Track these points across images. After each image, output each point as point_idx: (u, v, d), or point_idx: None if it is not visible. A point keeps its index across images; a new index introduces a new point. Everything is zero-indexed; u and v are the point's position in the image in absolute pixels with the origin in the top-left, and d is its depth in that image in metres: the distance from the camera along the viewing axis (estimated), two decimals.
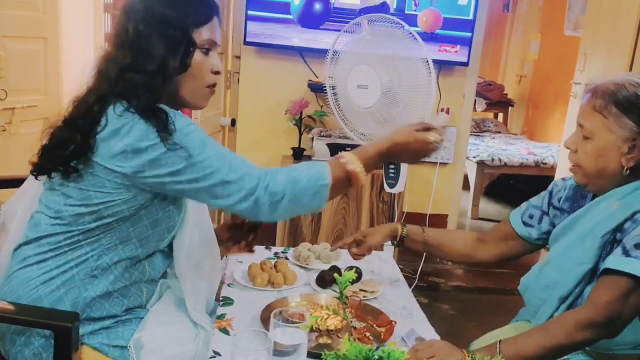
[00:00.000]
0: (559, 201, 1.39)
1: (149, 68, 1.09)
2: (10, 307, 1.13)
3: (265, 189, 1.09)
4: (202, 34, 1.14)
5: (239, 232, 1.43)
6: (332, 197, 1.16)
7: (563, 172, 3.88)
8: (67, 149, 1.08)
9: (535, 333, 1.17)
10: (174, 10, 1.11)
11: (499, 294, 3.21)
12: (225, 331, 1.23)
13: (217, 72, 1.19)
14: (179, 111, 1.15)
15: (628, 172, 1.18)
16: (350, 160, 1.16)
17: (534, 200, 1.46)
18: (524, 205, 1.48)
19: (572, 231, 1.27)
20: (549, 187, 1.45)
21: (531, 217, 1.44)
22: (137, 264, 1.20)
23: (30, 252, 1.16)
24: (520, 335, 1.18)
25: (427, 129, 1.21)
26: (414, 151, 1.20)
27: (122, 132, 1.06)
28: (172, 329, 1.20)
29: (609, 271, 1.13)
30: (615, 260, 1.12)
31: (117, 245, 1.15)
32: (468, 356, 1.13)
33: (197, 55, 1.14)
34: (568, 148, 1.26)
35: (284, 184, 1.10)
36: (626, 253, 1.12)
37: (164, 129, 1.05)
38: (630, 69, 3.18)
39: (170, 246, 1.26)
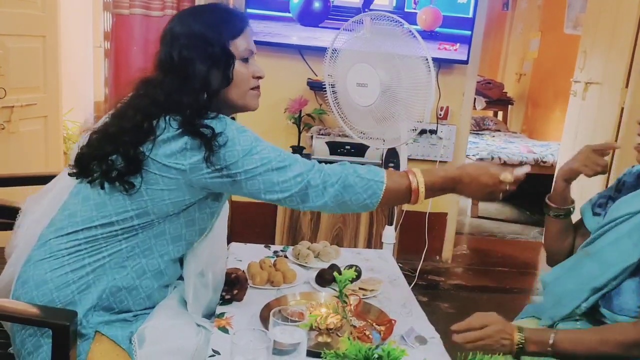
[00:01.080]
0: (622, 184, 1.40)
1: (194, 88, 1.17)
2: (9, 305, 1.14)
3: (319, 172, 1.17)
4: (239, 45, 1.23)
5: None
6: (388, 204, 1.22)
7: None
8: (111, 163, 1.15)
9: (592, 336, 1.18)
10: (210, 29, 1.20)
11: (499, 292, 3.21)
12: (224, 330, 1.23)
13: (259, 77, 1.29)
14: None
15: None
16: (416, 175, 1.21)
17: (605, 190, 1.46)
18: (594, 197, 1.47)
19: (623, 224, 1.25)
20: (620, 175, 1.44)
21: (600, 205, 1.43)
22: (165, 267, 1.24)
23: (64, 242, 1.18)
24: (576, 333, 1.20)
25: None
26: (482, 185, 1.22)
27: (180, 136, 1.14)
28: (176, 324, 1.22)
29: None
30: None
31: (151, 239, 1.20)
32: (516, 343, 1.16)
33: (238, 66, 1.23)
34: None
35: (340, 171, 1.17)
36: None
37: (209, 143, 1.12)
38: (630, 68, 3.18)
39: None
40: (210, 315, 1.34)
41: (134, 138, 1.15)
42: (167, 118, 1.15)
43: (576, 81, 3.74)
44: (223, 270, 1.38)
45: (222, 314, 1.30)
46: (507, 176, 1.20)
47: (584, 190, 3.45)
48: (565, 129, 3.91)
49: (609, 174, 3.29)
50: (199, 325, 1.26)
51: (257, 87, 1.30)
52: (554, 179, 1.48)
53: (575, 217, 1.50)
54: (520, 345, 1.17)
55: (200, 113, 1.16)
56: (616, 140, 3.18)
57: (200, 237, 1.27)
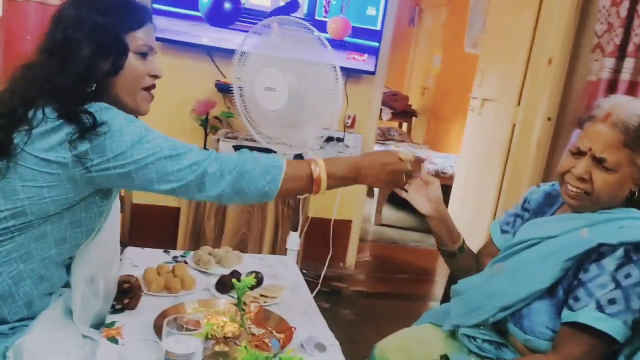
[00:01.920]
0: (529, 203, 1.44)
1: (77, 71, 1.10)
2: None
3: (216, 160, 1.13)
4: (137, 38, 1.18)
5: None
6: (289, 193, 1.17)
7: (460, 182, 4.08)
8: None
9: None
10: (104, 16, 1.14)
11: (398, 299, 3.31)
12: (114, 340, 1.15)
13: (155, 76, 1.24)
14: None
15: (636, 195, 1.20)
16: (318, 163, 1.18)
17: (512, 209, 1.49)
18: (502, 215, 1.51)
19: (535, 248, 1.27)
20: (525, 194, 1.48)
21: (507, 223, 1.47)
22: (47, 272, 1.15)
23: None
24: None
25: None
26: (384, 165, 1.22)
27: (60, 127, 1.06)
28: (58, 337, 1.13)
29: (580, 324, 1.14)
30: (590, 316, 1.13)
31: (30, 242, 1.10)
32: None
33: (133, 60, 1.18)
34: (581, 178, 1.20)
35: (238, 157, 1.14)
36: (600, 308, 1.13)
37: (86, 131, 1.05)
38: (522, 87, 3.41)
39: None
40: (99, 325, 1.26)
41: (7, 122, 1.06)
42: (44, 109, 1.07)
43: (474, 97, 3.96)
44: (116, 276, 1.29)
45: (113, 322, 1.22)
46: (407, 154, 1.22)
47: (478, 211, 3.65)
48: (463, 142, 4.12)
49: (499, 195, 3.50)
50: (85, 337, 1.18)
51: (150, 89, 1.25)
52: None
53: (479, 241, 1.54)
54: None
55: (81, 100, 1.08)
56: (508, 154, 3.40)
57: (88, 240, 1.19)
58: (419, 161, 1.27)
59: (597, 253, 1.17)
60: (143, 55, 1.20)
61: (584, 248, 1.18)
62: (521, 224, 1.41)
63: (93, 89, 1.12)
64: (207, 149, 1.14)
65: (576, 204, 1.24)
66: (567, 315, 1.17)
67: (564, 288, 1.21)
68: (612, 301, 1.13)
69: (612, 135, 1.16)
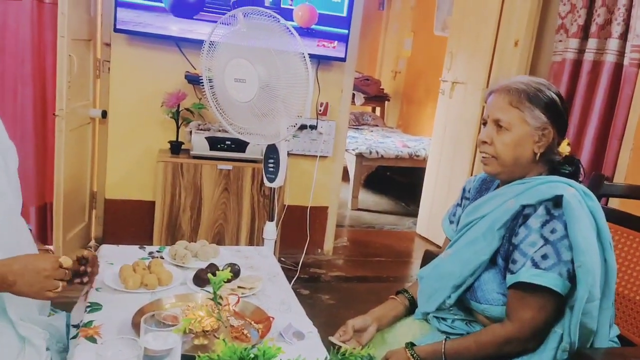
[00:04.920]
0: (468, 192, 1.53)
1: None
2: None
3: None
4: None
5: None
6: None
7: (433, 164, 4.13)
8: None
9: (471, 342, 1.30)
10: None
11: (376, 281, 3.35)
12: (92, 340, 1.15)
13: None
14: None
15: (538, 157, 1.32)
16: None
17: (455, 202, 1.58)
18: (449, 209, 1.59)
19: (475, 227, 1.37)
20: (463, 184, 1.57)
21: (454, 214, 1.56)
22: None
23: None
24: (460, 341, 1.32)
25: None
26: (39, 271, 1.04)
27: None
28: None
29: (523, 284, 1.23)
30: (528, 274, 1.22)
31: None
32: (412, 358, 1.31)
33: None
34: (484, 142, 1.35)
35: None
36: (535, 265, 1.22)
37: None
38: (490, 69, 3.45)
39: None
40: (47, 312, 1.22)
41: None
42: None
43: (444, 80, 3.99)
44: (35, 249, 1.21)
45: (90, 322, 1.22)
46: (68, 260, 1.08)
47: (451, 191, 3.70)
48: (435, 125, 4.17)
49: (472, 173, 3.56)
50: (23, 340, 1.12)
51: None
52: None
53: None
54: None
55: None
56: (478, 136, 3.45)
57: None
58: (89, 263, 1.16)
59: (523, 216, 1.28)
60: None
61: (510, 213, 1.30)
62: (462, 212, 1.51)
63: None
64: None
65: (488, 169, 1.37)
66: (509, 279, 1.27)
67: (502, 255, 1.31)
68: (544, 257, 1.23)
69: (503, 99, 1.33)
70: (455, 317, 1.39)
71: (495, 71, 3.39)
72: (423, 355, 1.31)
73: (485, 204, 1.38)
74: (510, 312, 1.28)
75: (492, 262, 1.33)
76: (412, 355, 1.31)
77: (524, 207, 1.28)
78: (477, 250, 1.33)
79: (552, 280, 1.22)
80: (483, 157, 1.37)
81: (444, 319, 1.41)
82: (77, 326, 1.23)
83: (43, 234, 3.04)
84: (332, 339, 1.38)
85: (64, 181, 2.77)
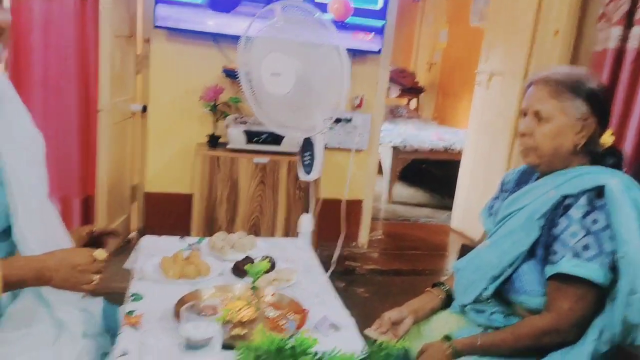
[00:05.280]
0: (507, 184, 1.52)
1: None
2: None
3: None
4: None
5: (92, 240, 1.36)
6: None
7: (469, 157, 4.08)
8: None
9: (508, 335, 1.29)
10: None
11: (411, 274, 3.34)
12: (134, 328, 1.19)
13: None
14: None
15: (580, 148, 1.30)
16: None
17: (493, 195, 1.57)
18: (487, 202, 1.58)
19: (514, 218, 1.36)
20: (501, 177, 1.56)
21: (491, 207, 1.54)
22: None
23: None
24: (495, 335, 1.32)
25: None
26: (74, 266, 1.07)
27: None
28: (28, 333, 1.11)
29: (563, 275, 1.23)
30: (568, 265, 1.21)
31: None
32: (449, 351, 1.30)
33: None
34: (524, 134, 1.34)
35: None
36: (576, 256, 1.21)
37: None
38: (529, 60, 3.38)
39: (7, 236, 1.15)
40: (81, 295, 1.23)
41: None
42: None
43: (481, 72, 3.93)
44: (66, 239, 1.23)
45: (132, 311, 1.26)
46: (102, 253, 1.10)
47: (487, 185, 3.65)
48: (471, 117, 4.11)
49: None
50: (59, 327, 1.15)
51: None
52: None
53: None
54: (456, 354, 1.31)
55: None
56: (516, 128, 3.38)
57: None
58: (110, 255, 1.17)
59: (563, 207, 1.27)
60: None
61: (551, 203, 1.29)
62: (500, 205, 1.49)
63: None
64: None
65: (527, 160, 1.36)
66: (549, 270, 1.26)
67: (542, 246, 1.29)
68: (585, 247, 1.21)
69: (542, 90, 1.32)
70: (493, 309, 1.38)
71: (534, 62, 3.31)
72: (460, 347, 1.31)
73: (524, 196, 1.37)
74: (549, 303, 1.26)
75: (531, 253, 1.31)
76: (448, 347, 1.31)
77: (564, 197, 1.27)
78: (516, 241, 1.32)
79: (593, 271, 1.20)
80: (521, 148, 1.37)
81: (481, 311, 1.40)
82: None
83: None
84: (368, 331, 1.39)
85: (107, 174, 2.85)
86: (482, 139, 3.91)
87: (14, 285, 1.06)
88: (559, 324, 1.24)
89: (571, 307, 1.23)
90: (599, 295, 1.24)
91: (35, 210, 1.15)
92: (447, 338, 1.34)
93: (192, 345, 1.01)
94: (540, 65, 3.18)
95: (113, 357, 1.09)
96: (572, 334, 1.25)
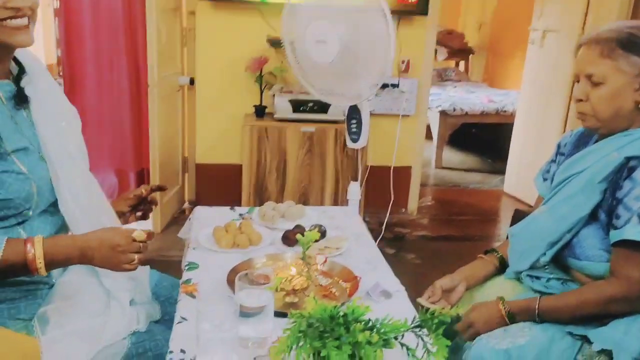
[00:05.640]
0: (564, 147, 1.46)
1: None
2: None
3: None
4: None
5: (139, 203, 1.42)
6: (3, 278, 1.07)
7: (522, 119, 3.95)
8: None
9: (572, 299, 1.26)
10: None
11: (462, 240, 3.31)
12: (191, 296, 1.23)
13: (14, 8, 1.06)
14: None
15: None
16: (35, 242, 1.06)
17: (549, 158, 1.52)
18: (542, 166, 1.53)
19: (573, 182, 1.31)
20: (558, 140, 1.50)
21: (547, 171, 1.49)
22: (7, 230, 1.11)
23: None
24: (557, 298, 1.28)
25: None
26: (114, 246, 1.09)
27: None
28: (80, 301, 1.15)
29: (628, 242, 1.17)
30: (634, 231, 1.16)
31: None
32: (504, 311, 1.28)
33: None
34: (579, 100, 1.28)
35: None
36: None
37: None
38: (586, 15, 3.21)
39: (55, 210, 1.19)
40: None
41: None
42: None
43: (534, 29, 3.76)
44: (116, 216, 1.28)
45: (189, 280, 1.30)
46: (141, 234, 1.11)
47: (540, 148, 3.53)
48: (524, 78, 3.96)
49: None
50: (110, 297, 1.19)
51: (14, 18, 1.07)
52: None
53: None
54: (510, 316, 1.29)
55: None
56: (572, 87, 3.25)
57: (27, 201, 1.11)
58: (150, 236, 1.15)
59: (628, 169, 1.21)
60: None
61: (614, 166, 1.23)
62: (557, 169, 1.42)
63: None
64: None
65: (586, 124, 1.30)
66: (613, 235, 1.20)
67: (605, 210, 1.24)
68: None
69: (592, 52, 1.24)
70: (551, 275, 1.35)
71: (592, 17, 3.14)
72: (516, 310, 1.28)
73: (583, 159, 1.31)
74: (616, 270, 1.21)
75: (592, 217, 1.26)
76: (504, 308, 1.29)
77: (628, 159, 1.21)
78: (575, 206, 1.27)
79: None
80: (578, 114, 1.30)
81: (537, 277, 1.37)
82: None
83: None
84: (421, 300, 1.38)
85: (158, 147, 2.92)
86: (536, 100, 3.77)
87: (59, 264, 1.10)
88: (629, 292, 1.19)
89: None
90: None
91: (78, 183, 1.19)
92: (502, 299, 1.31)
93: (246, 313, 1.03)
94: (598, 20, 3.02)
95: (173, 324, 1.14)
96: None
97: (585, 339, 1.22)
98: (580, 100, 1.28)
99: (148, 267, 1.36)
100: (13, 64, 1.17)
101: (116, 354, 1.14)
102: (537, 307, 1.27)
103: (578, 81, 1.30)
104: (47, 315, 1.12)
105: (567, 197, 1.30)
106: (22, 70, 1.16)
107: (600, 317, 1.23)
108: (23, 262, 1.04)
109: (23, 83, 1.15)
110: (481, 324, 1.30)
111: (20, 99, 1.14)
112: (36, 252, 1.04)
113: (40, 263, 1.04)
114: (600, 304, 1.21)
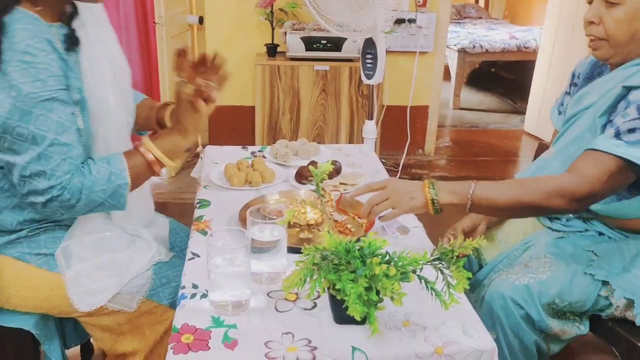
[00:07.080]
0: (578, 77, 1.37)
1: None
2: None
3: (61, 190, 1.00)
4: None
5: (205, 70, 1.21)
6: (135, 188, 1.09)
7: (546, 55, 3.79)
8: None
9: (513, 185, 1.15)
10: None
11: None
12: (203, 232, 1.20)
13: None
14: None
15: None
16: (149, 147, 1.09)
17: (565, 88, 1.43)
18: (558, 97, 1.45)
19: (580, 120, 1.23)
20: (572, 69, 1.40)
21: (562, 103, 1.41)
22: None
23: None
24: (497, 183, 1.15)
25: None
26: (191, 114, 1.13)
27: None
28: (102, 237, 1.15)
29: (599, 152, 1.10)
30: (606, 142, 1.09)
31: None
32: (429, 186, 1.12)
33: None
34: (591, 22, 1.18)
35: (80, 188, 1.01)
36: (618, 135, 1.09)
37: None
38: None
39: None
40: (148, 222, 1.28)
41: None
42: None
43: None
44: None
45: (201, 217, 1.27)
46: (189, 87, 1.12)
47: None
48: (547, 12, 3.78)
49: None
50: (131, 235, 1.19)
51: None
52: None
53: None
54: (436, 198, 1.12)
55: None
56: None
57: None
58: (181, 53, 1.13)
59: (625, 100, 1.12)
60: None
61: (613, 98, 1.15)
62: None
63: None
64: (70, 163, 0.99)
65: (598, 54, 1.21)
66: (588, 145, 1.13)
67: None
68: (631, 130, 1.08)
69: None
70: (568, 215, 1.29)
71: None
72: (446, 200, 1.12)
73: (590, 93, 1.23)
74: (575, 166, 1.13)
75: None
76: (432, 202, 1.12)
77: (629, 89, 1.11)
78: (582, 146, 1.17)
79: (634, 153, 1.06)
80: (590, 40, 1.20)
81: (557, 218, 1.31)
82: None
83: None
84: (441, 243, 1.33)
85: (169, 88, 2.86)
86: (560, 34, 3.60)
87: (174, 154, 1.12)
88: (579, 187, 1.09)
89: (596, 176, 1.09)
90: (632, 179, 1.12)
91: (112, 141, 1.14)
92: (431, 183, 1.14)
93: (258, 249, 1.00)
94: None
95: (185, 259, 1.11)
96: (583, 205, 1.13)
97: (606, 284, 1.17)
98: (592, 22, 1.18)
99: (167, 219, 1.38)
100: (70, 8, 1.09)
101: (143, 285, 1.15)
102: (470, 191, 1.11)
103: (590, 2, 1.19)
104: (70, 249, 1.11)
105: (574, 139, 1.23)
106: (75, 12, 1.09)
107: (537, 211, 1.17)
108: (149, 167, 1.09)
109: (75, 25, 1.08)
110: (399, 197, 1.13)
111: (71, 41, 1.06)
112: (154, 153, 1.08)
113: (163, 159, 1.09)
114: (544, 193, 1.10)
